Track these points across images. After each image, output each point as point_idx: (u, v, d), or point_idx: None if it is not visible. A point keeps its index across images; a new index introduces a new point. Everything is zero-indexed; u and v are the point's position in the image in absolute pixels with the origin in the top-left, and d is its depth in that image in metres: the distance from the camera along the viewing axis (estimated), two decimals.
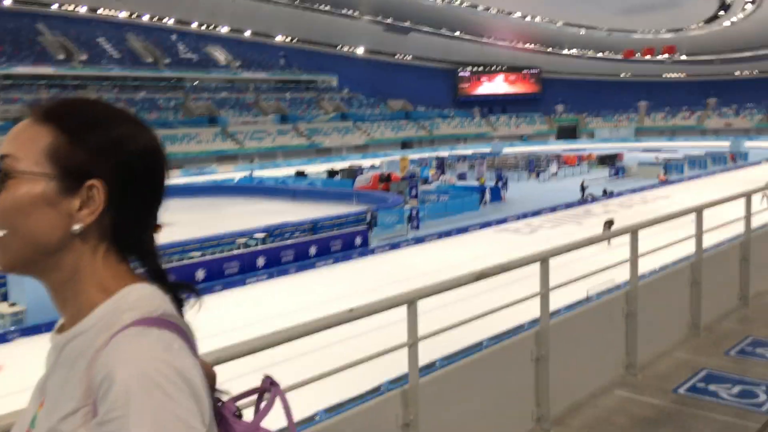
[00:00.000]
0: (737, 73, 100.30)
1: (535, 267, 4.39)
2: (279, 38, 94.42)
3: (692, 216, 6.26)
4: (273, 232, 27.96)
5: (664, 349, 5.87)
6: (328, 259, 26.49)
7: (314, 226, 29.63)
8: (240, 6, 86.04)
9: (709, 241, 6.52)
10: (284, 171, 64.00)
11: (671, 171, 52.78)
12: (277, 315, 19.48)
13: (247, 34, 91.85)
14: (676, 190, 43.79)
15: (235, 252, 25.24)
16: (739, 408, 4.78)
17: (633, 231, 5.31)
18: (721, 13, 78.35)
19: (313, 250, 26.82)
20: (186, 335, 1.07)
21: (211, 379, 1.21)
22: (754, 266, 7.25)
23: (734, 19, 79.25)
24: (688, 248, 6.34)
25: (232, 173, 64.14)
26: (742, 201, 7.03)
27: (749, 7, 73.44)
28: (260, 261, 25.19)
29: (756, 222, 7.29)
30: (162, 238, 1.19)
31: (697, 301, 6.27)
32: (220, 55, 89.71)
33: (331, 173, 55.40)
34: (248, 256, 25.06)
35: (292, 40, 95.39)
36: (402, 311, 3.52)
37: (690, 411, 4.72)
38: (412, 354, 3.59)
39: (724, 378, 5.30)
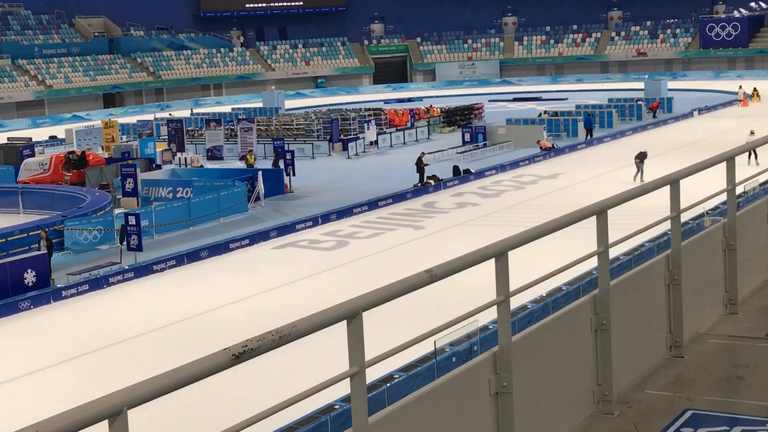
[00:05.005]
0: None
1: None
2: None
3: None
4: None
5: (642, 375, 7.10)
6: None
7: None
8: None
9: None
10: None
11: (557, 133, 56.40)
12: None
13: None
14: (569, 165, 46.81)
15: None
16: None
17: (599, 212, 6.32)
18: None
19: None
20: None
21: None
22: (742, 257, 8.44)
23: None
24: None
25: None
26: (721, 168, 8.04)
27: None
28: None
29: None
30: None
31: (677, 308, 7.46)
32: None
33: None
34: None
35: None
36: None
37: None
38: None
39: (713, 417, 6.40)
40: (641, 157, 39.90)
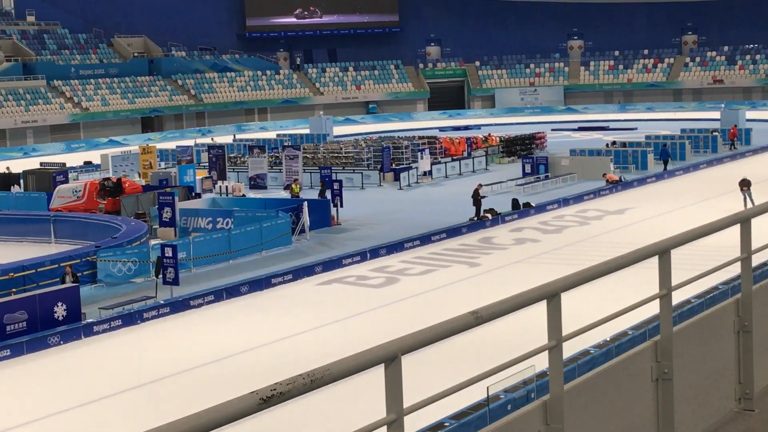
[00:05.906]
0: None
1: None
2: None
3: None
4: None
5: (708, 429, 7.02)
6: None
7: None
8: None
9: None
10: None
11: (626, 165, 56.10)
12: None
13: None
14: (638, 200, 46.48)
15: None
16: None
17: (662, 253, 6.25)
18: None
19: None
20: None
21: None
22: None
23: None
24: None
25: None
26: None
27: None
28: None
29: None
30: None
31: (748, 357, 7.37)
32: None
33: (5, 179, 53.51)
34: None
35: None
36: None
37: None
38: None
39: None
40: (747, 185, 40.26)
